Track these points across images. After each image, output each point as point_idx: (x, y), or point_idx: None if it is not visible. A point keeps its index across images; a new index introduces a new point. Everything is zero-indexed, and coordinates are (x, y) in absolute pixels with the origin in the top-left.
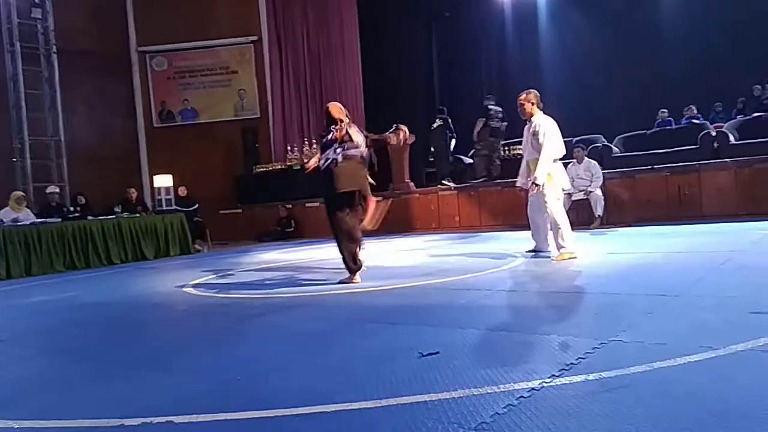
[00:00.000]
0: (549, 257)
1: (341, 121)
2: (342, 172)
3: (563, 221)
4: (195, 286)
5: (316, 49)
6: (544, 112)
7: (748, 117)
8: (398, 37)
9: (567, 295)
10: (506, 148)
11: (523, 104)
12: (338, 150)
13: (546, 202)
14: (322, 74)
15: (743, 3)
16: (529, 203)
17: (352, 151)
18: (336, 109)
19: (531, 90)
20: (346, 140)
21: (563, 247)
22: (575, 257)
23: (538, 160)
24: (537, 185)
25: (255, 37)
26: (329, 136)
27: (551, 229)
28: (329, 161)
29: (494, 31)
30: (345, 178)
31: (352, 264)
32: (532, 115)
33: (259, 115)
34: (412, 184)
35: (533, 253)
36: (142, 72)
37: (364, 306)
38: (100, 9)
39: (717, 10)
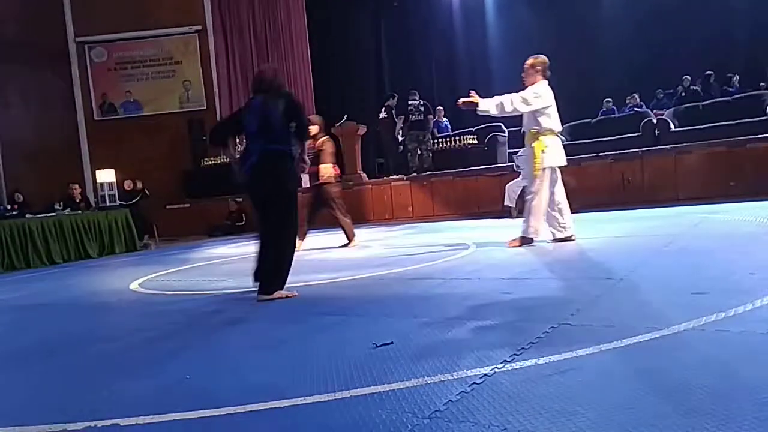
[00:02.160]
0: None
1: None
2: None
3: (538, 200)
4: (141, 284)
5: (263, 37)
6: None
7: (687, 105)
8: (347, 26)
9: (518, 282)
10: (451, 138)
11: (526, 70)
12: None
13: (536, 179)
14: (270, 63)
15: None
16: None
17: None
18: None
19: (538, 55)
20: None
21: (527, 231)
22: (533, 241)
23: (537, 131)
24: (471, 102)
25: (199, 27)
26: None
27: (526, 208)
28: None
29: (443, 21)
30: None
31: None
32: (532, 84)
33: (205, 107)
34: (364, 174)
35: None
36: (81, 63)
37: (317, 298)
38: None
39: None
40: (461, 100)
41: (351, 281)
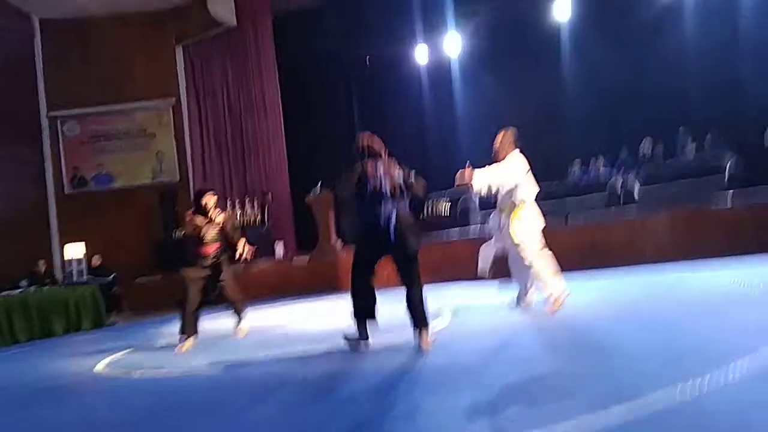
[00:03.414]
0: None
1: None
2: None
3: (539, 264)
4: (107, 365)
5: (237, 106)
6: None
7: (651, 164)
8: (319, 92)
9: (489, 355)
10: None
11: (496, 150)
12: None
13: (520, 249)
14: (243, 131)
15: (641, 53)
16: (509, 255)
17: None
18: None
19: (507, 129)
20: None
21: (552, 293)
22: (567, 295)
23: (512, 204)
24: (466, 184)
25: (173, 99)
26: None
27: (533, 275)
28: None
29: (412, 89)
30: None
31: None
32: (506, 155)
33: (178, 179)
34: (339, 243)
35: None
36: (53, 137)
37: (284, 375)
38: (8, 71)
39: (616, 62)
40: (458, 176)
41: (314, 356)
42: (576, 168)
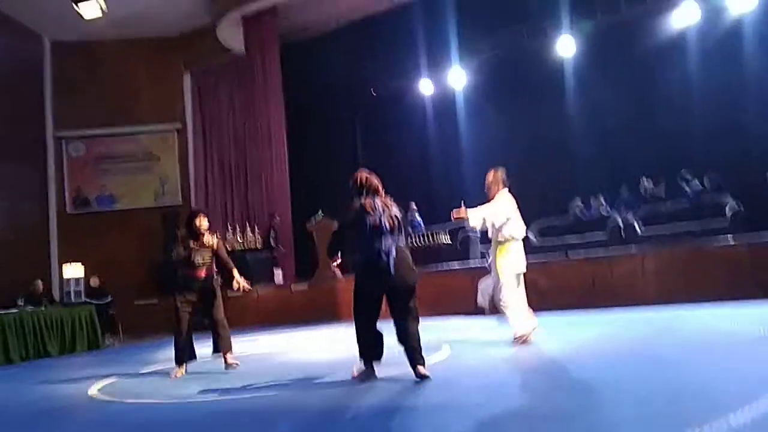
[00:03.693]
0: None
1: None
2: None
3: (513, 302)
4: (101, 389)
5: (242, 132)
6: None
7: (651, 204)
8: (324, 121)
9: (491, 391)
10: (424, 236)
11: (488, 186)
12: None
13: (501, 281)
14: (247, 157)
15: (644, 91)
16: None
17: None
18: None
19: (496, 169)
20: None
21: (516, 329)
22: (531, 332)
23: (500, 240)
24: (459, 217)
25: (179, 124)
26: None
27: (502, 309)
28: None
29: (415, 121)
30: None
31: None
32: (494, 195)
33: (181, 203)
34: (338, 271)
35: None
36: (58, 157)
37: (285, 414)
38: (16, 90)
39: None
40: (454, 213)
41: (312, 387)
42: (577, 204)
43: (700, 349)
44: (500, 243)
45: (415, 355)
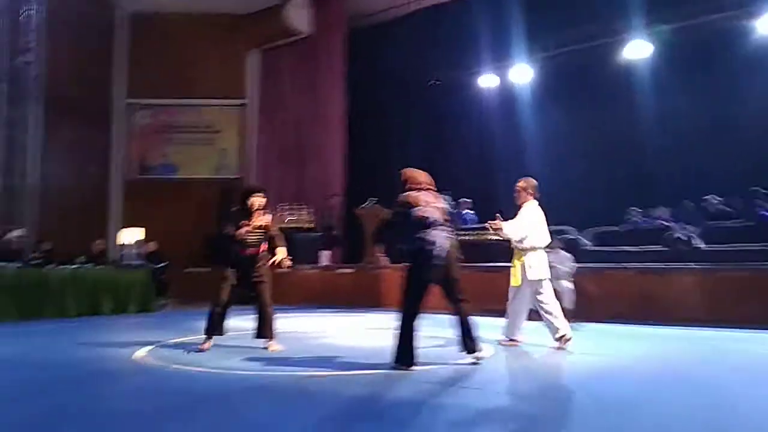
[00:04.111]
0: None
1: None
2: None
3: (555, 307)
4: (149, 352)
5: (302, 115)
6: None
7: (716, 222)
8: (384, 108)
9: (543, 401)
10: (473, 231)
11: (518, 192)
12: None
13: (514, 291)
14: (305, 140)
15: (725, 100)
16: (513, 293)
17: None
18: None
19: (528, 178)
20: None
21: (558, 331)
22: (570, 338)
23: (521, 249)
24: (496, 228)
25: (242, 100)
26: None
27: (545, 317)
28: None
29: (474, 115)
30: None
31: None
32: (523, 203)
33: (238, 176)
34: (384, 257)
35: (507, 343)
36: (125, 123)
37: (325, 395)
38: (88, 58)
39: (694, 108)
40: (490, 225)
41: (361, 377)
42: (635, 215)
43: (750, 376)
44: (521, 250)
45: (469, 336)
